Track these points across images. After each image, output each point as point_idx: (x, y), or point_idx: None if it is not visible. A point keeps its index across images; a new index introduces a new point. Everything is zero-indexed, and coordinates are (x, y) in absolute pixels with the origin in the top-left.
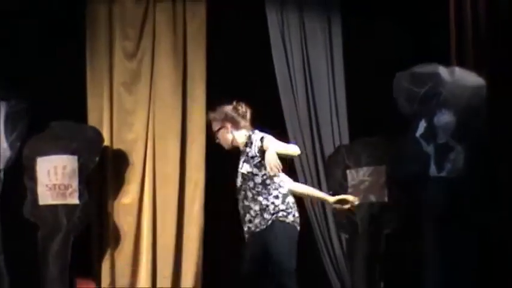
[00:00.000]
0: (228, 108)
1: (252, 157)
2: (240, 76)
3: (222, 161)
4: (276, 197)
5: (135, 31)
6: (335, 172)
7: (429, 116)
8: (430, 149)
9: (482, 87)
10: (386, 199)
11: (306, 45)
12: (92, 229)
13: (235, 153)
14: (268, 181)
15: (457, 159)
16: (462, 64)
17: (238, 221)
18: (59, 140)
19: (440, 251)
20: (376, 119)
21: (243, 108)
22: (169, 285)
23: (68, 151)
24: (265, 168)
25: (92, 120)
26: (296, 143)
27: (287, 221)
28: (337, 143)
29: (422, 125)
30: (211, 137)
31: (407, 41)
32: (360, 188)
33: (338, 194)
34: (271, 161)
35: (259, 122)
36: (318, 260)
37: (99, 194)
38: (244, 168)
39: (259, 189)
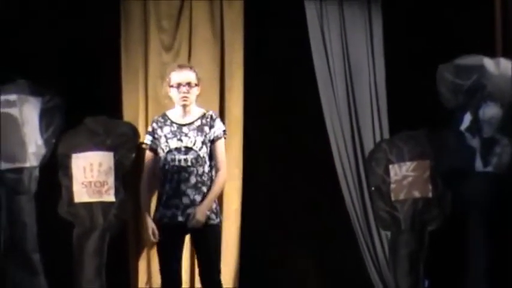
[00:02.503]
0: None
1: (210, 141)
2: (279, 67)
3: (259, 155)
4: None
5: (171, 23)
6: (376, 167)
7: (474, 108)
8: (475, 143)
9: None
10: (430, 195)
11: (346, 36)
12: (128, 227)
13: (273, 147)
14: (212, 172)
15: (504, 154)
16: (507, 55)
17: (277, 219)
18: (94, 136)
19: (486, 249)
20: (418, 112)
21: None
22: None
23: (103, 148)
24: (211, 159)
25: (127, 115)
26: (335, 137)
27: (215, 222)
28: (378, 137)
29: (467, 118)
30: (249, 130)
31: (450, 30)
32: (403, 183)
33: (380, 190)
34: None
35: (298, 115)
36: (358, 259)
37: (136, 191)
38: (202, 150)
39: (205, 179)
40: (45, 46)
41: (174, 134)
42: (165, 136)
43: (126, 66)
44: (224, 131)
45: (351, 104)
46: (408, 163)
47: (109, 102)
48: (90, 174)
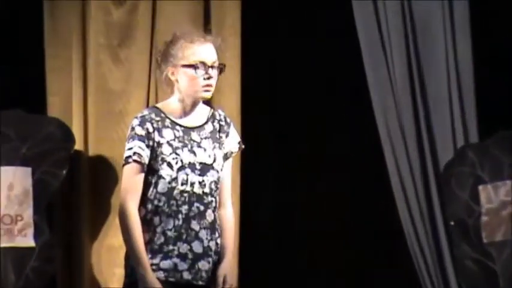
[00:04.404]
0: None
1: (226, 155)
2: (295, 37)
3: (262, 165)
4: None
5: None
6: (458, 189)
7: None
8: None
9: None
10: None
11: None
12: (56, 286)
13: (282, 155)
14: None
15: None
16: None
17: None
18: (1, 142)
19: None
20: None
21: None
22: None
23: (16, 160)
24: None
25: (53, 108)
26: (391, 142)
27: None
28: (460, 141)
29: None
30: (249, 131)
31: None
32: (501, 214)
33: (465, 226)
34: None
35: (324, 110)
36: None
37: (69, 229)
38: (222, 171)
39: (217, 216)
40: None
41: (182, 141)
42: (169, 143)
43: (51, 30)
44: (239, 142)
45: (416, 90)
46: (509, 182)
47: (25, 88)
48: None
